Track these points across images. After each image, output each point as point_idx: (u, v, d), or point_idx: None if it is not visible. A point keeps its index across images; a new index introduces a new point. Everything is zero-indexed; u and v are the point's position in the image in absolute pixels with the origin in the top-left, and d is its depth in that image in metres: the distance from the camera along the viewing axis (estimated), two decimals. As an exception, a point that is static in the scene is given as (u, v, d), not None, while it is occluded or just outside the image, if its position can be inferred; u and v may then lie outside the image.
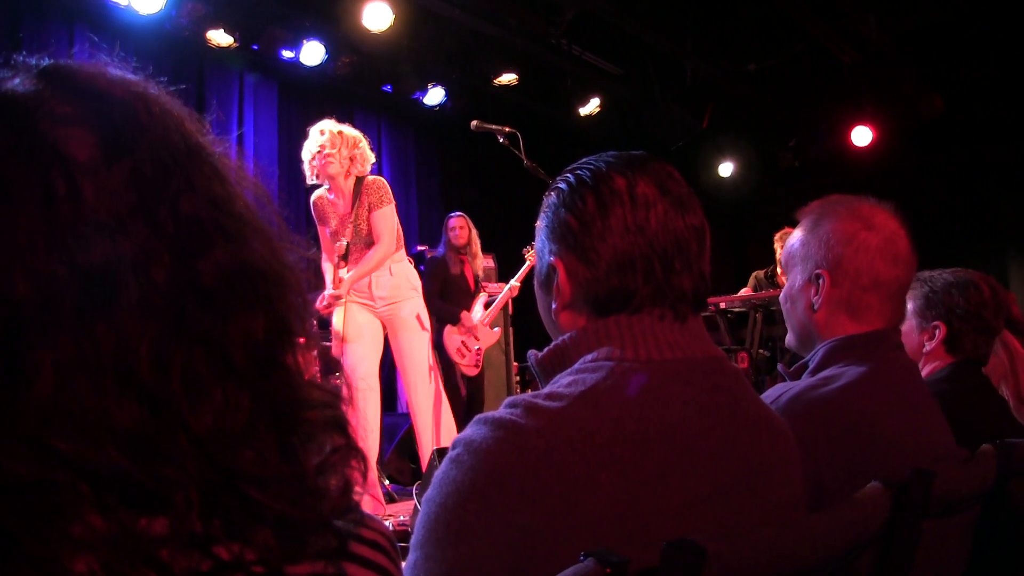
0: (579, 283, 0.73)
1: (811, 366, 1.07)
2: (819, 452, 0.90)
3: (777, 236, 4.85)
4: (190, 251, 0.37)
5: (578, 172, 0.76)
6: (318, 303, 3.06)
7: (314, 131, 3.02)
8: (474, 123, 2.86)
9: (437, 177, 5.95)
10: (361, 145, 3.05)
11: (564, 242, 0.74)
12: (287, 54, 4.69)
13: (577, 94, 5.76)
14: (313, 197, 3.15)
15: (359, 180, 3.07)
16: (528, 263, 4.17)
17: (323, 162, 2.98)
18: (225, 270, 0.38)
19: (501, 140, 2.79)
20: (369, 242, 3.08)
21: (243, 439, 0.36)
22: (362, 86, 5.14)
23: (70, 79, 0.40)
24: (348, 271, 3.01)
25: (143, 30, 4.11)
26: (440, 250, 4.26)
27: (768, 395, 0.99)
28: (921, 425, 1.00)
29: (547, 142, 5.79)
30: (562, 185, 0.76)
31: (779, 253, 4.83)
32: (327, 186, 3.11)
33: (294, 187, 5.16)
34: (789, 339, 1.15)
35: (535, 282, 0.82)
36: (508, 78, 5.34)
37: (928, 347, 1.45)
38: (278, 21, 4.51)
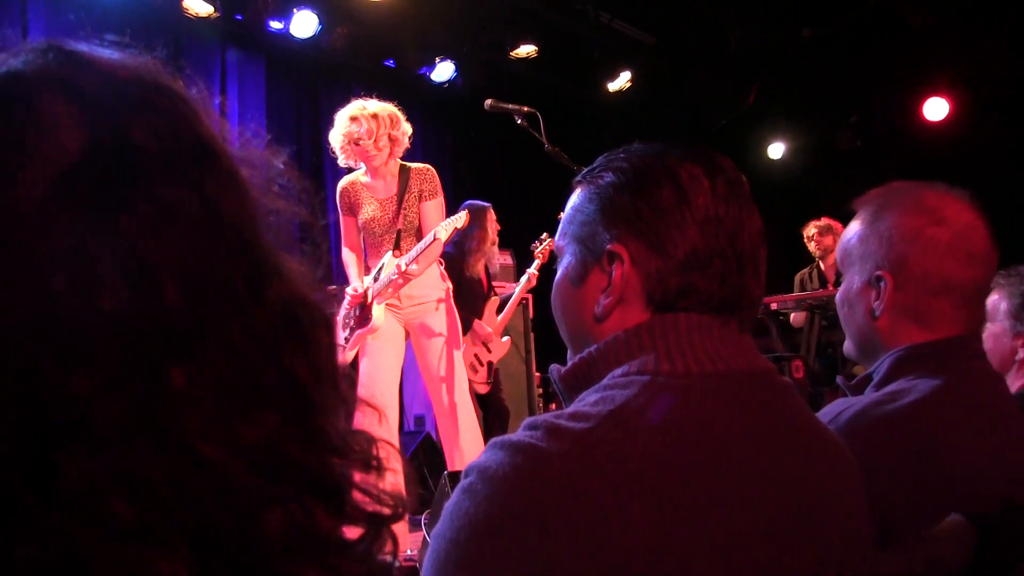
0: (648, 274, 0.73)
1: (876, 379, 1.06)
2: (886, 479, 0.89)
3: (807, 234, 4.84)
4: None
5: (640, 156, 0.77)
6: (348, 293, 3.09)
7: (343, 118, 3.05)
8: (488, 102, 2.86)
9: (447, 163, 5.97)
10: (399, 123, 3.09)
11: (631, 227, 0.74)
12: (275, 25, 4.72)
13: (605, 68, 5.75)
14: (343, 183, 3.19)
15: (404, 167, 3.13)
16: (537, 261, 4.15)
17: (365, 157, 3.05)
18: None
19: (519, 121, 2.78)
20: (417, 231, 3.13)
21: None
22: (361, 60, 5.18)
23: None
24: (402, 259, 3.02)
25: (110, -4, 4.14)
26: (451, 247, 4.20)
27: (826, 412, 0.98)
28: (1008, 448, 0.99)
29: (571, 123, 5.78)
30: (623, 165, 0.77)
31: (814, 249, 4.84)
32: (362, 170, 3.16)
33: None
34: (848, 347, 1.14)
35: (564, 280, 0.81)
36: (527, 50, 5.35)
37: (1022, 354, 1.43)
38: (265, -12, 4.56)
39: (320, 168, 5.19)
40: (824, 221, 4.89)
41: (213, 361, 0.37)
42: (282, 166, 0.47)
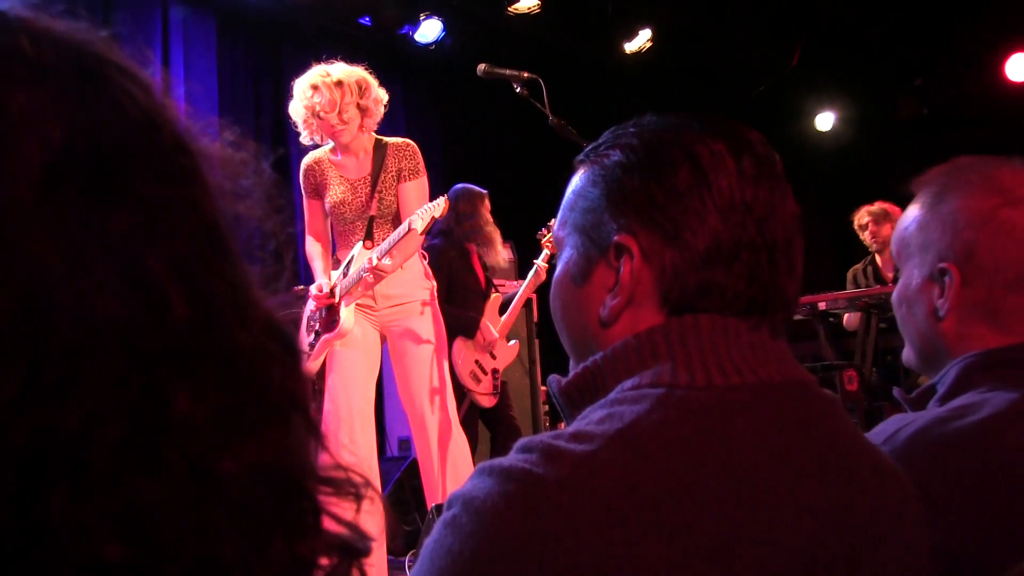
0: (662, 269, 0.74)
1: (940, 391, 1.06)
2: (952, 510, 0.90)
3: (858, 222, 4.82)
4: None
5: (653, 130, 0.77)
6: (313, 292, 3.10)
7: (303, 87, 3.05)
8: (482, 67, 2.87)
9: (434, 139, 5.99)
10: (370, 89, 3.09)
11: (642, 215, 0.74)
12: (229, -23, 4.72)
13: (620, 25, 5.75)
14: (307, 161, 3.21)
15: (379, 143, 3.15)
16: (546, 252, 4.14)
17: (331, 132, 3.07)
18: None
19: (518, 90, 2.79)
20: (395, 218, 3.14)
21: None
22: (331, 19, 5.18)
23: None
24: (376, 252, 3.01)
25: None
26: (439, 239, 4.20)
27: (880, 431, 0.98)
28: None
29: (581, 91, 5.78)
30: (633, 141, 0.77)
31: (869, 240, 4.83)
32: (329, 146, 3.18)
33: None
34: (907, 354, 1.15)
35: (565, 277, 0.82)
36: (528, 4, 5.35)
37: None
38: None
39: (284, 151, 5.20)
40: (879, 206, 4.90)
41: (215, 379, 0.39)
42: (245, 161, 0.49)
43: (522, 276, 4.88)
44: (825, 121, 7.02)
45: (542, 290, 4.23)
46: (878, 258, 4.99)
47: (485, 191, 4.22)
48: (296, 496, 0.43)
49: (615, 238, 0.76)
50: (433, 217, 2.90)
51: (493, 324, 4.16)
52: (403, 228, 2.92)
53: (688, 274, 0.73)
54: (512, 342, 4.26)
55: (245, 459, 0.40)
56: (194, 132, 0.45)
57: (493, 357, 4.14)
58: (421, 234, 2.93)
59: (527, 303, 4.39)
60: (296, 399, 0.44)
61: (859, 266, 5.13)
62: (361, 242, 3.12)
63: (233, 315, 0.41)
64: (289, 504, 0.42)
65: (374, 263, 2.92)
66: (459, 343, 4.00)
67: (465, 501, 0.64)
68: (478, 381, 4.06)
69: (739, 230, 0.73)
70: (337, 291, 3.10)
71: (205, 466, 0.38)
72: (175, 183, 0.41)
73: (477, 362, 4.08)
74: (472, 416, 4.04)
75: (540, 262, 4.18)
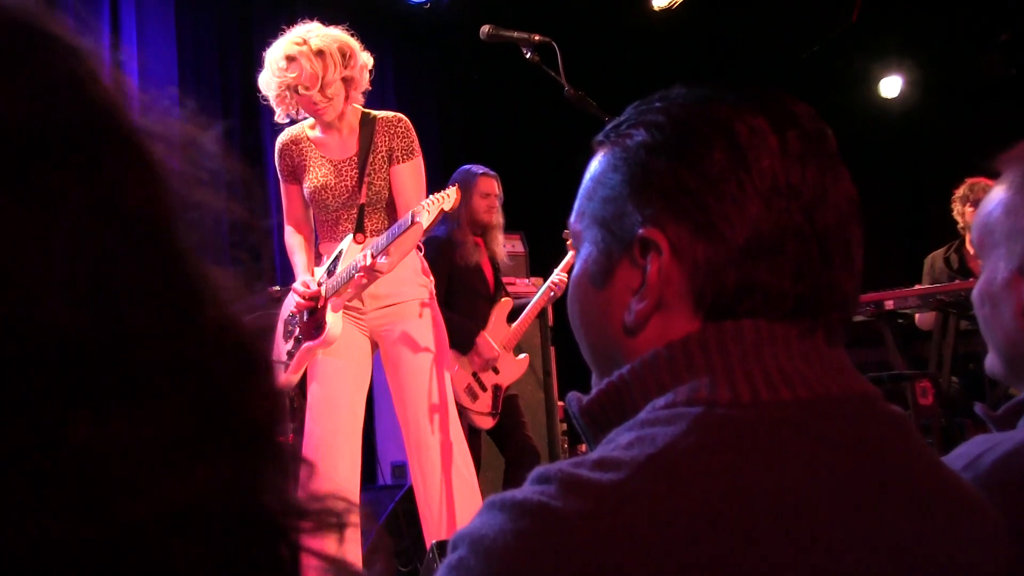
0: (694, 266, 0.74)
1: (1032, 407, 1.06)
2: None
3: (959, 193, 4.76)
4: None
5: (682, 105, 0.78)
6: (299, 290, 3.11)
7: (276, 57, 3.05)
8: (486, 29, 2.87)
9: (430, 115, 6.00)
10: (354, 55, 3.10)
11: (671, 203, 0.75)
12: (189, -69, 4.75)
13: (648, -24, 5.74)
14: (283, 140, 3.22)
15: (367, 117, 3.15)
16: (571, 255, 4.13)
17: (312, 110, 3.08)
18: None
19: (528, 55, 2.79)
20: (388, 205, 3.14)
21: None
22: (308, -25, 5.19)
23: None
24: (364, 247, 3.01)
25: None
26: (441, 228, 4.19)
27: (960, 454, 0.98)
28: None
29: (602, 56, 5.78)
30: (659, 118, 0.78)
31: (969, 216, 4.75)
32: (308, 121, 3.19)
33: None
34: (991, 361, 1.14)
35: (583, 277, 0.83)
36: (537, -46, 5.35)
37: None
38: None
39: (257, 132, 5.21)
40: (982, 183, 4.78)
41: (133, 401, 0.39)
42: (210, 142, 0.49)
43: (534, 272, 4.87)
44: (891, 86, 6.98)
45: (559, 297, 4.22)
46: (968, 243, 4.87)
47: (483, 170, 4.21)
48: (272, 536, 0.43)
49: (640, 231, 0.76)
50: (442, 210, 2.87)
51: (499, 333, 4.13)
52: (405, 221, 2.89)
53: (725, 271, 0.73)
54: (521, 355, 4.23)
55: (197, 495, 0.40)
56: (147, 107, 0.46)
57: (496, 372, 4.11)
58: (425, 229, 2.92)
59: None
60: (262, 423, 0.44)
61: (941, 251, 5.01)
62: (351, 235, 3.12)
63: (162, 326, 0.41)
64: (264, 547, 0.42)
65: (369, 262, 2.90)
66: (453, 354, 3.98)
67: (472, 541, 0.64)
68: (475, 398, 4.03)
69: (784, 218, 0.73)
70: (323, 291, 3.10)
71: (119, 508, 0.38)
72: (76, 169, 0.41)
73: (475, 375, 4.06)
74: (473, 437, 4.01)
75: (560, 272, 4.15)
